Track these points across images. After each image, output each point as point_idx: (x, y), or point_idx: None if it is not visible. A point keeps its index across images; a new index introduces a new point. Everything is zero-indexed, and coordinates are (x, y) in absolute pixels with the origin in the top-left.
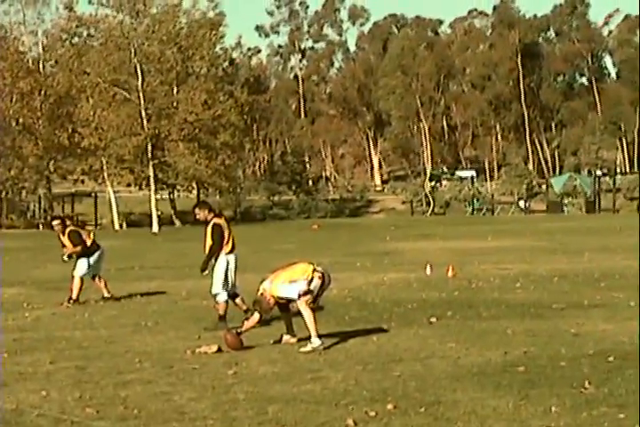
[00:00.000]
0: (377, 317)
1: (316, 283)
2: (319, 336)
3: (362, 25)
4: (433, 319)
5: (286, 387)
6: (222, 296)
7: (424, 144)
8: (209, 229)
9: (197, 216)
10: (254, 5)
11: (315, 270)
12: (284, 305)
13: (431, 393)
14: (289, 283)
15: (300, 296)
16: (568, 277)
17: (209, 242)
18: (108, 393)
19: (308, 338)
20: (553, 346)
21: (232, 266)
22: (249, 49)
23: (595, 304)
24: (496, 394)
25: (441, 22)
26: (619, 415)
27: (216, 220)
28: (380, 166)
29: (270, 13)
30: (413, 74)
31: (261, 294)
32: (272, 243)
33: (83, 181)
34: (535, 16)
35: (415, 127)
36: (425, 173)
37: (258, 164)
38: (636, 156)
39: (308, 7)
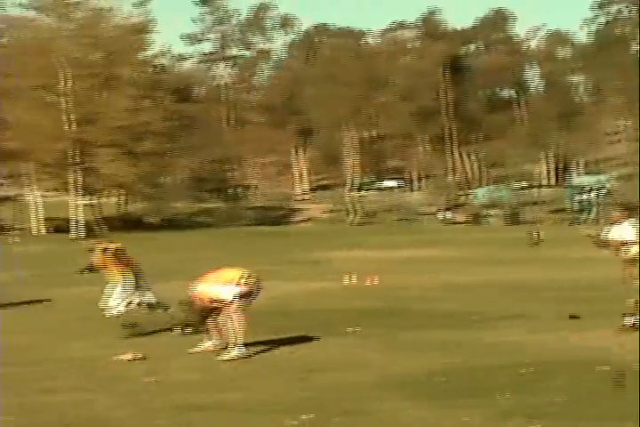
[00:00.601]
0: (301, 326)
1: (249, 289)
2: (245, 345)
3: (290, 34)
4: (356, 329)
5: (207, 396)
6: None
7: (350, 153)
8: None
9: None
10: (186, 12)
11: (249, 276)
12: (211, 310)
13: (353, 402)
14: (222, 284)
15: (234, 299)
16: (489, 288)
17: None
18: (28, 401)
19: (229, 346)
20: (472, 356)
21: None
22: (176, 56)
23: (514, 315)
24: (417, 404)
25: (369, 33)
26: (534, 426)
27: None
28: (307, 175)
29: (198, 20)
30: (341, 83)
31: (190, 296)
32: (198, 250)
33: (1, 184)
34: (461, 28)
35: (342, 136)
36: (350, 183)
37: (183, 171)
38: (556, 169)
39: (236, 15)
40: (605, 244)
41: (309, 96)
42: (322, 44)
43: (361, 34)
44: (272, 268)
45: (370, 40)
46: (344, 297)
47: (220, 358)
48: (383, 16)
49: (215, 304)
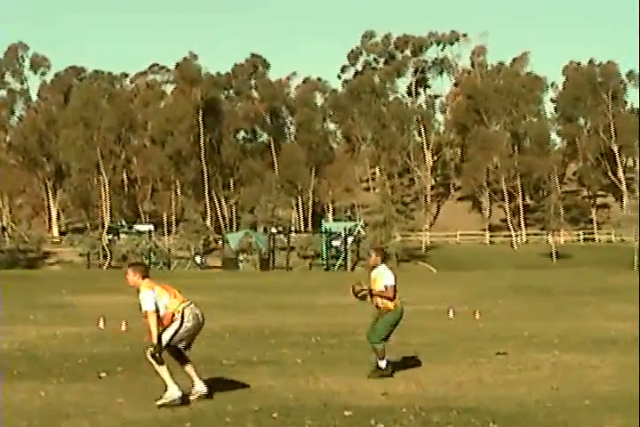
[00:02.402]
0: (46, 371)
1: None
2: None
3: (43, 74)
4: (103, 374)
5: None
6: None
7: (103, 197)
8: None
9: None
10: None
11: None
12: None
13: None
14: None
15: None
16: (239, 334)
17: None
18: None
19: None
20: (220, 402)
21: None
22: None
23: (263, 361)
24: None
25: (125, 76)
26: None
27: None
28: (59, 218)
29: None
30: (95, 126)
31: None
32: None
33: None
34: (218, 73)
35: (95, 179)
36: (103, 226)
37: None
38: (310, 215)
39: None
40: (361, 290)
41: (63, 138)
42: (75, 86)
43: (115, 77)
44: (22, 312)
45: (126, 83)
46: (94, 342)
47: None
48: (140, 59)
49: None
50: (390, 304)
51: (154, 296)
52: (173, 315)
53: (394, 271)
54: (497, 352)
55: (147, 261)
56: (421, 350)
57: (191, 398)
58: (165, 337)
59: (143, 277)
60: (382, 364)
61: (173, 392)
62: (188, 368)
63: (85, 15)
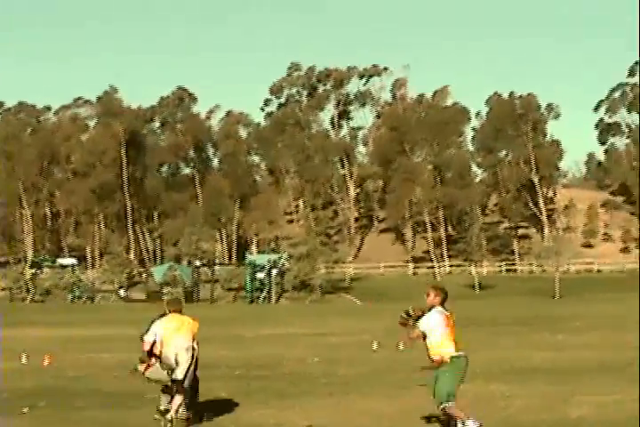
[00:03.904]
0: None
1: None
2: None
3: None
4: (25, 409)
5: None
6: None
7: (26, 230)
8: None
9: None
10: None
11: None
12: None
13: None
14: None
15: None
16: None
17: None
18: None
19: None
20: None
21: None
22: None
23: None
24: None
25: (47, 109)
26: None
27: None
28: None
29: None
30: (17, 159)
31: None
32: None
33: None
34: (139, 107)
35: (18, 213)
36: (26, 260)
37: None
38: (234, 247)
39: None
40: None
41: None
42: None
43: (37, 110)
44: None
45: (49, 116)
46: (17, 377)
47: None
48: (63, 92)
49: None
50: (445, 354)
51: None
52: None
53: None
54: (419, 384)
55: (70, 295)
56: (346, 382)
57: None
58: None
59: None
60: (471, 424)
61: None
62: (177, 399)
63: (8, 46)
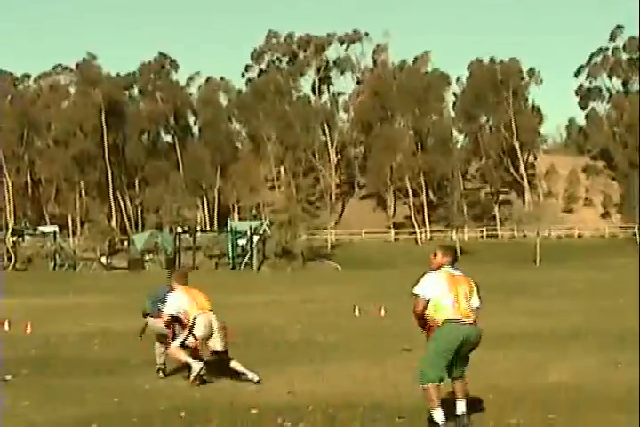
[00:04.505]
0: None
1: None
2: None
3: None
4: (8, 377)
5: None
6: None
7: (7, 198)
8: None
9: None
10: None
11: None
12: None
13: None
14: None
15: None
16: (147, 335)
17: None
18: None
19: None
20: (127, 402)
21: None
22: None
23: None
24: None
25: (27, 76)
26: None
27: None
28: None
29: None
30: None
31: None
32: None
33: None
34: (119, 74)
35: None
36: (7, 228)
37: None
38: (215, 214)
39: None
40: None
41: None
42: None
43: (16, 77)
44: None
45: (28, 84)
46: None
47: None
48: (40, 59)
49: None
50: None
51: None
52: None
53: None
54: (402, 349)
55: (52, 263)
56: (328, 348)
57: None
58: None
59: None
60: (436, 415)
61: (195, 366)
62: (233, 364)
63: None
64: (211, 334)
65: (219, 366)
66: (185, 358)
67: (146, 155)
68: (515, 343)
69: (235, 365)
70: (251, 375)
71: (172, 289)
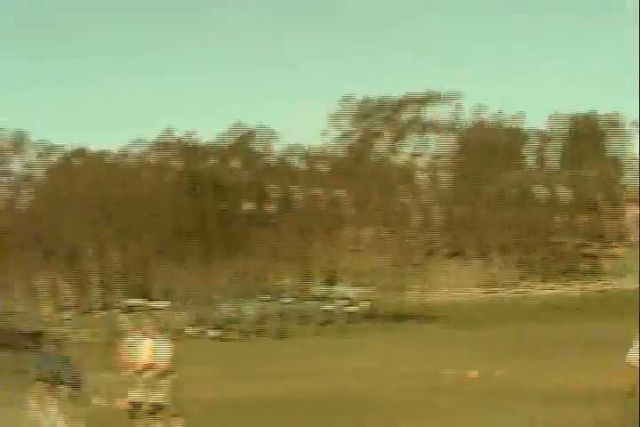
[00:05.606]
0: None
1: None
2: None
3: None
4: None
5: None
6: None
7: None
8: None
9: None
10: None
11: None
12: None
13: None
14: None
15: None
16: None
17: None
18: None
19: None
20: None
21: None
22: None
23: None
24: None
25: (109, 151)
26: None
27: None
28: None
29: None
30: (97, 205)
31: None
32: None
33: None
34: (207, 144)
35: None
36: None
37: None
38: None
39: None
40: None
41: (70, 220)
42: (80, 167)
43: (105, 153)
44: None
45: (113, 159)
46: None
47: None
48: (119, 133)
49: None
50: None
51: None
52: None
53: None
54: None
55: None
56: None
57: None
58: None
59: None
60: None
61: None
62: None
63: None
64: None
65: None
66: None
67: (244, 224)
68: None
69: None
70: None
71: None
